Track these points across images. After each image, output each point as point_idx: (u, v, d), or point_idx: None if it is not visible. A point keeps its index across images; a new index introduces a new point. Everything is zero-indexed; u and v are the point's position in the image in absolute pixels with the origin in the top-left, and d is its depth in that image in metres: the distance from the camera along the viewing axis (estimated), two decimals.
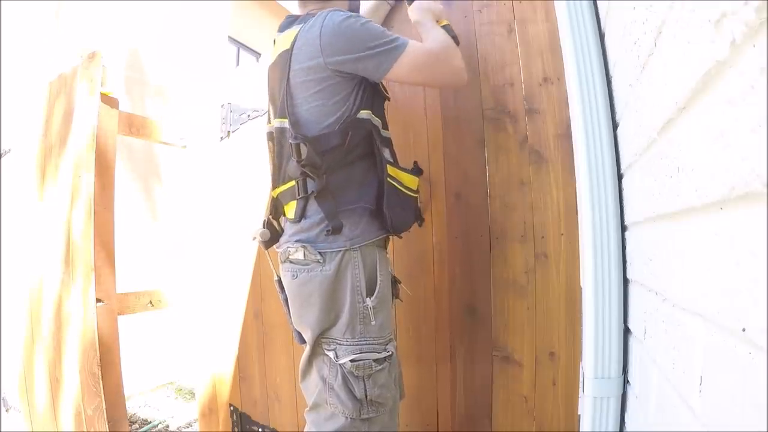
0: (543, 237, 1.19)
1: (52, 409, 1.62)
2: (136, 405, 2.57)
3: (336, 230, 1.02)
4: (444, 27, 1.10)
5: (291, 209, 1.08)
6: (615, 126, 0.74)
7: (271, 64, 1.15)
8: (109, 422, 1.43)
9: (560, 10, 0.79)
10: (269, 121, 1.16)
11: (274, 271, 1.17)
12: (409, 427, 1.39)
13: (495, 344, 1.27)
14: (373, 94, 1.08)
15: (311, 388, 1.09)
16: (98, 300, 1.47)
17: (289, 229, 1.09)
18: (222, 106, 1.80)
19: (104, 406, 1.42)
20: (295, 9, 1.21)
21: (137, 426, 2.33)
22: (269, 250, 1.20)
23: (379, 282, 1.05)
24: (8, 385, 2.00)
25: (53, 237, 1.60)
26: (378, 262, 1.06)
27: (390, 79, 1.03)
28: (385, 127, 1.13)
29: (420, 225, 1.33)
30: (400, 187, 1.09)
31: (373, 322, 1.03)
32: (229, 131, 1.78)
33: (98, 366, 1.42)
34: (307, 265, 1.03)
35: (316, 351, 1.07)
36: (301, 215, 1.05)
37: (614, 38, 0.69)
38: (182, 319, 2.47)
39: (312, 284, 1.02)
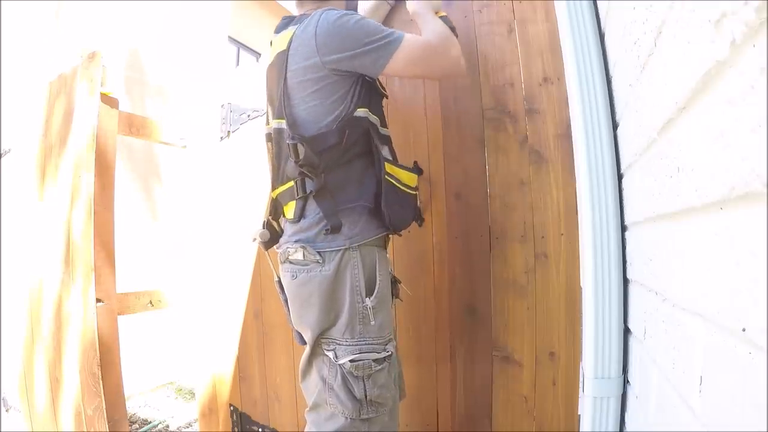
0: (543, 237, 1.19)
1: (52, 409, 1.62)
2: (136, 405, 2.57)
3: (335, 229, 1.02)
4: (441, 18, 1.08)
5: (290, 209, 1.08)
6: (615, 126, 0.74)
7: (268, 66, 1.15)
8: (109, 422, 1.43)
9: (560, 10, 0.79)
10: (268, 123, 1.16)
11: (274, 271, 1.17)
12: (409, 427, 1.39)
13: (495, 344, 1.27)
14: (369, 91, 1.07)
15: (311, 388, 1.09)
16: (98, 300, 1.47)
17: (288, 229, 1.09)
18: (222, 106, 1.80)
19: (104, 406, 1.42)
20: (295, 9, 1.21)
21: (137, 426, 2.33)
22: (269, 250, 1.20)
23: (378, 282, 1.05)
24: (8, 385, 2.00)
25: (53, 237, 1.60)
26: (377, 262, 1.06)
27: (388, 73, 1.03)
28: (384, 124, 1.12)
29: (420, 225, 1.33)
30: (398, 184, 1.08)
31: (373, 322, 1.03)
32: (229, 131, 1.78)
33: (98, 366, 1.42)
34: (306, 265, 1.03)
35: (315, 351, 1.07)
36: (300, 215, 1.05)
37: (614, 38, 0.69)
38: (182, 319, 2.47)
39: (311, 284, 1.02)
